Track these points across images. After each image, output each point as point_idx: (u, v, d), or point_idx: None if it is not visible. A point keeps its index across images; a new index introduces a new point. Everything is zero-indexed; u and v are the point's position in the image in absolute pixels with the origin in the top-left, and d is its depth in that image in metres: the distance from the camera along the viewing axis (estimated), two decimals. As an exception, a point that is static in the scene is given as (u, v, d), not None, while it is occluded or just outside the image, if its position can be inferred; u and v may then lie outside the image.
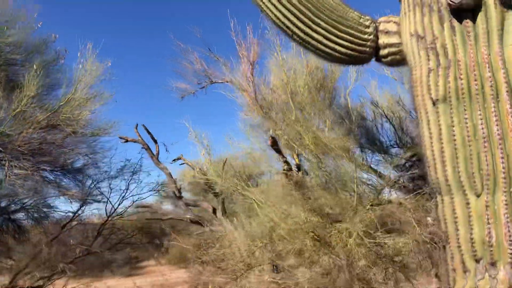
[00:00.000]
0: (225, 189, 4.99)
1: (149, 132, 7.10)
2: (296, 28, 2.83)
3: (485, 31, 2.25)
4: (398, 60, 2.90)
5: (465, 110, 2.29)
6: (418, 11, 2.51)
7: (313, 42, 2.85)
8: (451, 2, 2.24)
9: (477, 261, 2.28)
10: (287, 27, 2.85)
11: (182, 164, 7.53)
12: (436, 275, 3.79)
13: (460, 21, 2.31)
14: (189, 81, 4.89)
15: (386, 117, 3.82)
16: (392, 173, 3.60)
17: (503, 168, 2.19)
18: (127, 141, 6.94)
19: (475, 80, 2.25)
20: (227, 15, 4.86)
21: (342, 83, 4.48)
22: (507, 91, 2.21)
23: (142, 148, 6.90)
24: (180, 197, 7.07)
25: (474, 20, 2.27)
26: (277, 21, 2.86)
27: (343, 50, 2.84)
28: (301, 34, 2.84)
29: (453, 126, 2.33)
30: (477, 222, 2.26)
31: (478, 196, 2.26)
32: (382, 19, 2.93)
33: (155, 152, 7.03)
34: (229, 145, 5.03)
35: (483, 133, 2.23)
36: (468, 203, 2.29)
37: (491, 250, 2.21)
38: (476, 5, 2.23)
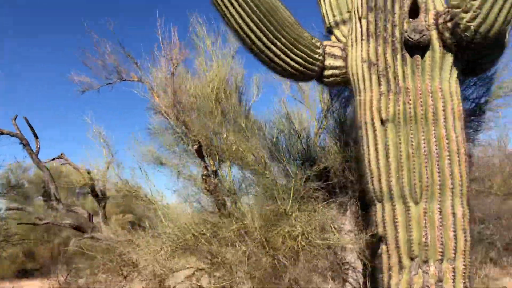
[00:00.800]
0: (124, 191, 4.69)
1: (30, 126, 6.25)
2: (257, 39, 2.94)
3: (430, 66, 2.70)
4: (338, 82, 3.25)
5: (411, 130, 2.70)
6: (372, 41, 2.87)
7: (271, 54, 3.00)
8: (410, 38, 2.64)
9: (413, 259, 2.68)
10: (249, 36, 2.94)
11: (63, 164, 6.75)
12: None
13: (411, 55, 2.73)
14: (96, 76, 4.50)
15: (296, 131, 4.15)
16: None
17: (439, 181, 2.64)
18: (2, 133, 5.98)
19: (421, 106, 2.69)
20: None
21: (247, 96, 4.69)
22: (444, 118, 2.68)
23: (21, 143, 6.01)
24: (59, 200, 6.31)
25: (422, 56, 2.71)
26: (240, 29, 2.93)
27: (296, 66, 3.06)
28: (261, 46, 2.97)
29: (400, 143, 2.72)
30: (416, 226, 2.67)
31: (416, 204, 2.68)
32: (327, 42, 3.24)
33: (35, 149, 6.18)
34: (136, 146, 4.74)
35: (425, 151, 2.67)
36: (408, 210, 2.69)
37: (426, 250, 2.63)
38: (427, 44, 2.67)
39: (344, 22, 3.39)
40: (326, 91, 4.49)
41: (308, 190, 3.84)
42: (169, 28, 4.34)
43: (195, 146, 3.80)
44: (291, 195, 3.71)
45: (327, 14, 3.51)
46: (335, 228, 3.95)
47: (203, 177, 3.88)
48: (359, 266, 4.22)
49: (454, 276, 2.62)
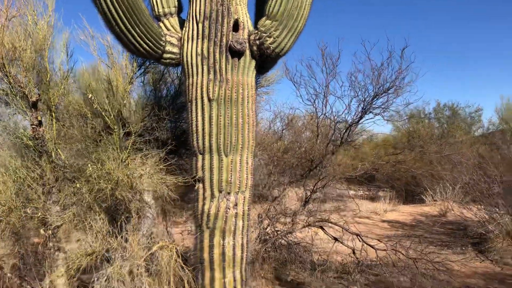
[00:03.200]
0: None
1: None
2: (121, 24, 3.74)
3: (242, 67, 4.10)
4: (172, 64, 4.31)
5: (227, 108, 4.05)
6: (206, 41, 4.05)
7: (129, 36, 3.85)
8: (234, 46, 3.95)
9: (221, 191, 4.09)
10: (115, 21, 3.71)
11: None
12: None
13: (232, 57, 4.05)
14: None
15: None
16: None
17: (241, 142, 4.10)
18: None
19: (235, 92, 4.07)
20: None
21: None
22: (246, 101, 4.14)
23: None
24: None
25: (239, 59, 4.08)
26: (109, 14, 3.67)
27: (147, 48, 3.99)
28: (123, 28, 3.77)
29: (220, 116, 4.04)
30: (225, 170, 4.08)
31: (226, 156, 4.09)
32: (167, 32, 4.22)
33: None
34: None
35: (234, 122, 4.08)
36: (221, 160, 4.07)
37: (230, 185, 4.09)
38: (243, 52, 4.04)
39: (171, 14, 4.42)
40: (133, 61, 5.37)
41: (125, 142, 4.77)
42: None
43: (35, 98, 4.14)
44: (114, 146, 4.56)
45: (156, 4, 4.42)
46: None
47: (32, 126, 4.27)
48: (153, 203, 5.41)
49: (243, 201, 4.17)
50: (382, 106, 6.19)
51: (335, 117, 6.43)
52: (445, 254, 7.37)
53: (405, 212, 14.23)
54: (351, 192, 19.30)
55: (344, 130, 6.34)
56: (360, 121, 6.33)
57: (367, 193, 19.37)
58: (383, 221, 12.84)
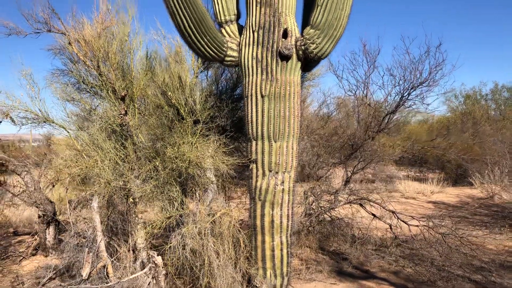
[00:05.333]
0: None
1: None
2: (192, 35, 4.66)
3: (290, 68, 4.92)
4: (232, 65, 5.20)
5: (276, 102, 4.90)
6: (260, 47, 4.90)
7: (198, 44, 4.77)
8: (283, 52, 4.78)
9: (270, 171, 4.99)
10: (187, 32, 4.63)
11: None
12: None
13: (281, 60, 4.88)
14: (27, 24, 5.03)
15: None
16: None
17: (287, 131, 4.96)
18: None
19: (283, 90, 4.91)
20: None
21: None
22: (293, 96, 4.97)
23: None
24: None
25: (287, 62, 4.90)
26: (182, 26, 4.59)
27: (213, 54, 4.91)
28: (194, 38, 4.70)
29: (271, 109, 4.91)
30: (274, 154, 4.96)
31: (276, 142, 4.96)
32: (228, 39, 5.11)
33: None
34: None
35: (282, 114, 4.93)
36: (271, 145, 4.96)
37: (278, 166, 4.97)
38: (291, 56, 4.86)
39: (231, 21, 5.29)
40: (198, 58, 6.33)
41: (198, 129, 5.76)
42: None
43: (123, 93, 5.21)
44: (185, 131, 5.56)
45: (219, 13, 5.29)
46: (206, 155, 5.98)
47: (120, 115, 5.34)
48: (214, 180, 6.39)
49: (289, 179, 5.05)
50: (419, 96, 6.78)
51: (375, 105, 7.08)
52: (479, 233, 7.91)
53: (452, 194, 14.55)
54: (402, 173, 19.67)
55: (382, 118, 7.00)
56: (397, 110, 6.95)
57: (418, 174, 19.66)
58: (429, 202, 13.28)
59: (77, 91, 5.74)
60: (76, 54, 5.28)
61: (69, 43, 5.32)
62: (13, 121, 5.26)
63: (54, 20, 5.25)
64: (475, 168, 14.72)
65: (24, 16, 5.09)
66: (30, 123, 5.48)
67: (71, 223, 5.69)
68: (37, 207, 6.97)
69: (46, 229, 7.13)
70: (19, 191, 7.02)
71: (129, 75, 5.57)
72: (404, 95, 6.76)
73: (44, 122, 5.54)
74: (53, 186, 6.76)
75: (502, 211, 11.13)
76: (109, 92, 5.31)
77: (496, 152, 14.32)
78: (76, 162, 5.53)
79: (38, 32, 5.23)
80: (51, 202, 7.15)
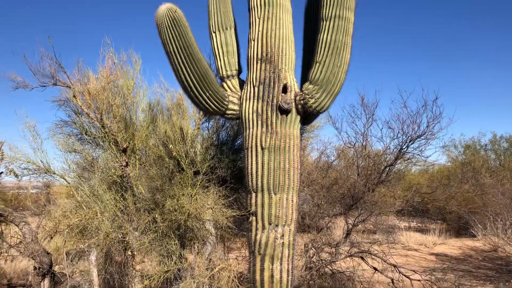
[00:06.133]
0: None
1: None
2: (195, 89, 4.79)
3: (289, 121, 5.01)
4: (233, 118, 5.30)
5: (276, 155, 4.96)
6: (260, 101, 5.01)
7: (200, 99, 4.88)
8: (282, 106, 4.88)
9: (270, 224, 4.97)
10: (190, 87, 4.76)
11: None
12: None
13: (281, 114, 4.98)
14: (33, 78, 5.20)
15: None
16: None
17: (287, 183, 4.98)
18: None
19: (283, 143, 4.98)
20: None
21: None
22: (292, 149, 5.02)
23: None
24: None
25: (286, 115, 5.00)
26: (185, 81, 4.72)
27: (214, 108, 5.01)
28: (196, 93, 4.82)
29: (270, 161, 4.95)
30: (274, 206, 4.96)
31: (275, 194, 4.97)
32: (229, 93, 5.23)
33: None
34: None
35: (282, 166, 4.97)
36: (271, 197, 4.96)
37: (278, 219, 4.95)
38: (290, 110, 4.96)
39: (232, 76, 5.43)
40: (199, 113, 6.46)
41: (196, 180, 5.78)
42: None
43: (125, 145, 5.28)
44: (185, 182, 5.58)
45: (221, 68, 5.45)
46: (206, 206, 5.97)
47: (121, 166, 5.39)
48: (213, 232, 6.34)
49: (289, 233, 5.01)
50: (418, 148, 6.86)
51: (374, 157, 7.16)
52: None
53: (454, 246, 14.34)
54: (404, 223, 19.46)
55: (381, 171, 7.06)
56: (396, 162, 7.02)
57: (419, 225, 19.45)
58: (431, 253, 13.07)
59: (80, 141, 5.81)
60: (80, 106, 5.40)
61: (74, 96, 5.45)
62: (16, 176, 5.31)
63: (60, 74, 5.41)
64: (476, 219, 14.59)
65: (31, 70, 5.26)
66: (32, 174, 5.52)
67: (67, 275, 5.60)
68: (33, 258, 6.86)
69: (41, 281, 6.98)
70: (16, 242, 6.94)
71: (132, 127, 5.67)
72: (403, 147, 6.86)
73: (45, 173, 5.57)
74: (51, 238, 6.69)
75: (506, 264, 10.93)
76: (111, 143, 5.39)
77: (498, 204, 14.24)
78: (76, 213, 5.52)
79: (45, 86, 5.39)
80: (48, 253, 7.05)
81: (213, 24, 5.37)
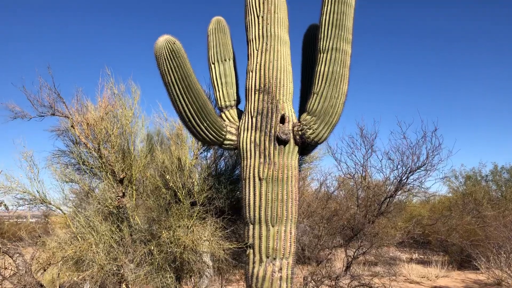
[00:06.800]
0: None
1: None
2: (193, 120, 4.78)
3: (287, 152, 4.98)
4: (231, 148, 5.28)
5: (274, 186, 4.91)
6: (258, 132, 5.00)
7: (198, 129, 4.87)
8: (280, 136, 4.87)
9: (268, 257, 4.87)
10: (188, 117, 4.76)
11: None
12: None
13: (279, 144, 4.96)
14: (32, 108, 5.23)
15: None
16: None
17: (285, 215, 4.91)
18: None
19: (281, 173, 4.93)
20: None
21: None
22: (290, 180, 4.98)
23: None
24: None
25: (284, 146, 4.97)
26: (183, 112, 4.72)
27: (212, 138, 5.00)
28: (194, 123, 4.81)
29: (268, 192, 4.90)
30: (272, 239, 4.87)
31: (273, 226, 4.89)
32: (227, 123, 5.23)
33: None
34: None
35: (280, 197, 4.91)
36: (268, 230, 4.88)
37: (276, 252, 4.86)
38: (288, 141, 4.94)
39: (231, 107, 5.44)
40: (198, 143, 6.45)
41: (189, 211, 5.70)
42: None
43: (122, 175, 5.24)
44: (181, 214, 5.51)
45: (219, 99, 5.47)
46: (202, 238, 5.88)
47: (118, 197, 5.33)
48: (211, 264, 6.22)
49: (287, 266, 4.90)
50: (418, 179, 6.82)
51: (374, 188, 7.10)
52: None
53: (457, 279, 14.04)
54: (405, 255, 19.13)
55: (381, 202, 6.98)
56: (396, 194, 6.96)
57: (421, 256, 19.10)
58: (434, 287, 12.79)
59: (77, 171, 5.78)
60: (78, 136, 5.39)
61: (72, 126, 5.45)
62: (6, 208, 5.25)
63: (58, 104, 5.43)
64: (479, 252, 14.34)
65: (30, 100, 5.28)
66: (27, 204, 5.46)
67: (60, 309, 5.46)
68: (26, 291, 6.70)
69: (34, 314, 6.80)
70: (10, 274, 6.79)
71: (129, 157, 5.64)
72: (403, 179, 6.81)
73: (41, 203, 5.51)
74: (45, 270, 6.57)
75: (511, 298, 10.66)
76: (108, 173, 5.35)
77: (500, 236, 14.01)
78: (71, 244, 5.43)
79: (43, 116, 5.39)
80: (41, 286, 6.90)
81: (212, 56, 5.43)
